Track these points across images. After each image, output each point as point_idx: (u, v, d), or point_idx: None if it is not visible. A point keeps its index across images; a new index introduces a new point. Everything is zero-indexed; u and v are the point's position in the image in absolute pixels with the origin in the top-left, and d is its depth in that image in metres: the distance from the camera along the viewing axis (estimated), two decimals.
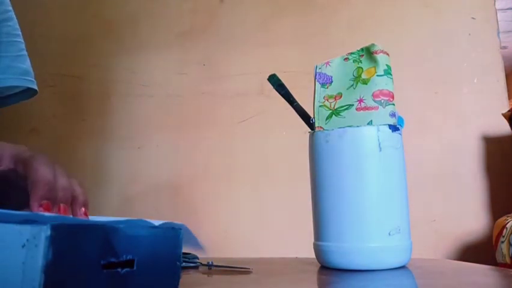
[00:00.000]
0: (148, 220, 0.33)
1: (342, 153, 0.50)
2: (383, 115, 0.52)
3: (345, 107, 0.54)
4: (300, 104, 0.58)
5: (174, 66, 1.45)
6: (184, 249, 0.36)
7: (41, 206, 0.37)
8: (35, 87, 0.72)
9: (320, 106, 0.56)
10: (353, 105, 0.54)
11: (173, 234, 0.35)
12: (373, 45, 0.55)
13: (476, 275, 0.50)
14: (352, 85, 0.55)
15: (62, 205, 0.39)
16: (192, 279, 0.49)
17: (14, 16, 0.72)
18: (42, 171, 0.39)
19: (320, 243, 0.52)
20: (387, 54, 0.55)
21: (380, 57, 0.54)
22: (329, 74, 0.57)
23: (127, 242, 0.30)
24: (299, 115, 0.57)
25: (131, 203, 1.38)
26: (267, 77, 0.60)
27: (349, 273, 0.48)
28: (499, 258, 1.01)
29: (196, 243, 0.37)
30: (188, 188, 1.38)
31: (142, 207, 1.39)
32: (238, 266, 0.52)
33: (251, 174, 1.37)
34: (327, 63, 0.58)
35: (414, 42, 1.37)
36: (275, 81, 0.59)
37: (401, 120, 0.55)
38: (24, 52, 0.72)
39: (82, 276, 0.26)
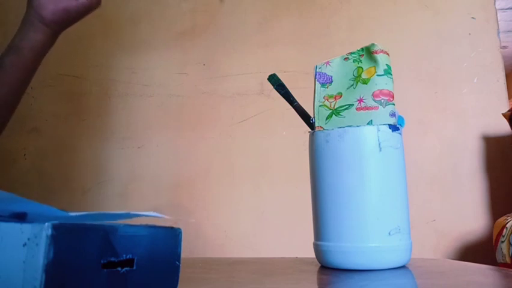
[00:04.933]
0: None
1: (342, 153, 0.50)
2: (383, 115, 0.52)
3: (345, 107, 0.54)
4: (300, 104, 0.58)
5: (174, 66, 1.46)
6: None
7: None
8: None
9: (320, 106, 0.56)
10: (353, 105, 0.54)
11: (173, 234, 0.35)
12: (373, 45, 0.55)
13: (476, 275, 0.50)
14: (352, 85, 0.55)
15: None
16: (192, 278, 0.49)
17: None
18: None
19: (319, 243, 0.52)
20: (387, 54, 0.55)
21: (380, 57, 0.54)
22: (329, 73, 0.57)
23: (127, 242, 0.30)
24: (299, 115, 0.57)
25: (131, 202, 1.38)
26: (267, 77, 0.60)
27: (349, 273, 0.48)
28: (499, 258, 1.01)
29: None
30: (188, 188, 1.38)
31: (142, 207, 1.39)
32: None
33: (251, 174, 1.37)
34: (327, 63, 0.58)
35: (414, 42, 1.37)
36: (275, 81, 0.59)
37: (401, 120, 0.55)
38: None
39: (83, 275, 0.26)
